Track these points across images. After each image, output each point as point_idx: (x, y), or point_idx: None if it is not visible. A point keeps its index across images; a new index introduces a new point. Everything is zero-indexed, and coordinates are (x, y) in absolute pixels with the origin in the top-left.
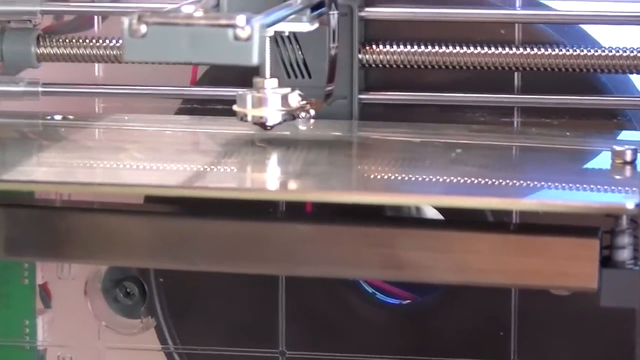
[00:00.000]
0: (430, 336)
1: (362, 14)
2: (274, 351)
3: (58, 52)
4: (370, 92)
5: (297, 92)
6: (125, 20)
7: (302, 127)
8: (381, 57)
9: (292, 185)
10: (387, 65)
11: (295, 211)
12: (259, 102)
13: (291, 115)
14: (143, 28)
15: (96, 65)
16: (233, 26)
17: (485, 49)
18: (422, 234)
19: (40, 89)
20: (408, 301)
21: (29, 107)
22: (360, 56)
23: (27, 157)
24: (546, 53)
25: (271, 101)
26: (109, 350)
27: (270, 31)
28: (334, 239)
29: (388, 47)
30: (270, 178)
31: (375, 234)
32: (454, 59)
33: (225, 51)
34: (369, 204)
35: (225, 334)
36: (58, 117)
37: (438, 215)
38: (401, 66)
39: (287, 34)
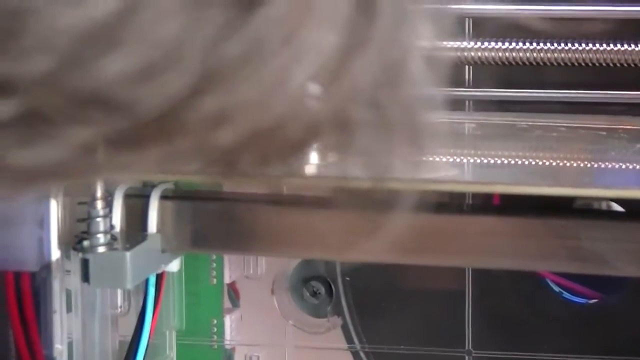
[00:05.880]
0: (617, 336)
1: None
2: (460, 350)
3: None
4: None
5: None
6: None
7: None
8: None
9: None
10: None
11: (482, 204)
12: None
13: None
14: None
15: None
16: None
17: None
18: (609, 225)
19: None
20: (595, 300)
21: None
22: None
23: None
24: None
25: None
26: (296, 349)
27: None
28: (521, 232)
29: None
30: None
31: (561, 226)
32: None
33: None
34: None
35: (412, 332)
36: None
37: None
38: None
39: None
